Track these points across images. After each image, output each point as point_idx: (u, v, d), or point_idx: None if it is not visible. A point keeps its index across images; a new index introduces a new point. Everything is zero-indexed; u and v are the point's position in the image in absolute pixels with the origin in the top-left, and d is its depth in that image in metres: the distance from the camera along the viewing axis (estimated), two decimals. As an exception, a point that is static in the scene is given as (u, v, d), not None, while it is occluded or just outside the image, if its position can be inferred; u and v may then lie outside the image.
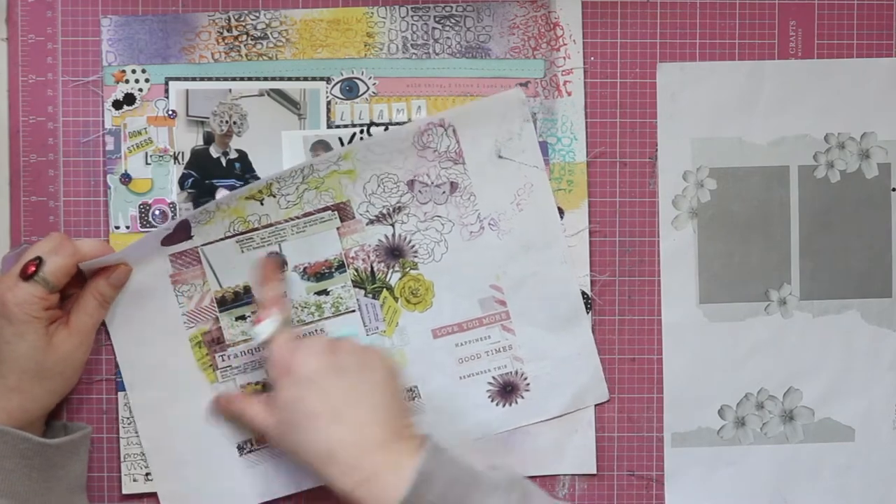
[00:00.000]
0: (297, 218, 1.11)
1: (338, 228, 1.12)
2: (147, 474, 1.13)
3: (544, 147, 1.14)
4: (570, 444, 1.15)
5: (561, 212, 1.14)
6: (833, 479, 1.17)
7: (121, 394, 1.13)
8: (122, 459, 1.13)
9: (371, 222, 1.13)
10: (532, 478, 1.15)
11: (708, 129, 1.15)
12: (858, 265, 1.17)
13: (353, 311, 1.14)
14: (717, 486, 1.16)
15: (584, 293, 1.15)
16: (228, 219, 1.10)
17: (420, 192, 1.12)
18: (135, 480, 1.14)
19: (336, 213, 1.12)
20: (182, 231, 1.10)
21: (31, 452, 1.04)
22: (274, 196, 1.10)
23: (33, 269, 1.04)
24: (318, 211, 1.12)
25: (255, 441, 1.14)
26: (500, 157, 1.12)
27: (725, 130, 1.15)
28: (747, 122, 1.15)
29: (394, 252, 1.13)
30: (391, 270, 1.14)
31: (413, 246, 1.13)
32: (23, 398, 1.05)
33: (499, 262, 1.14)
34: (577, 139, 1.15)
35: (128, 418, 1.13)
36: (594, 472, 1.16)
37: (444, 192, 1.12)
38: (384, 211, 1.12)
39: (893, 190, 1.16)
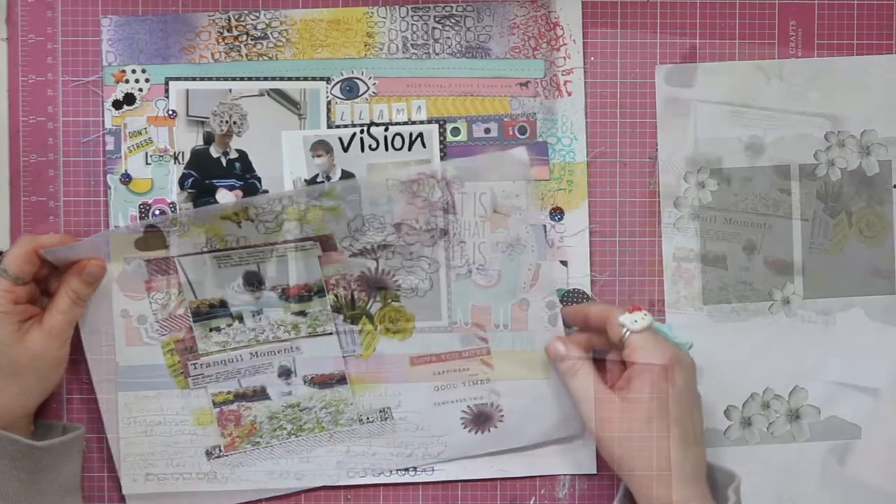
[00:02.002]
0: (277, 244, 1.11)
1: (319, 257, 1.12)
2: (147, 474, 1.13)
3: (544, 147, 1.14)
4: (570, 444, 1.15)
5: (561, 212, 1.14)
6: (840, 478, 1.16)
7: (120, 394, 1.13)
8: (122, 459, 1.13)
9: (354, 255, 1.12)
10: (532, 478, 1.16)
11: (708, 129, 1.15)
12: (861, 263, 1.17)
13: (331, 333, 1.13)
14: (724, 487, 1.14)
15: (584, 293, 1.14)
16: (206, 235, 1.09)
17: (408, 234, 1.11)
18: (135, 480, 1.13)
19: (318, 243, 1.11)
20: (156, 238, 1.09)
21: (20, 454, 1.04)
22: (251, 221, 1.09)
23: None
24: (299, 240, 1.11)
25: (223, 447, 1.14)
26: (495, 211, 1.11)
27: (726, 131, 1.15)
28: (748, 121, 1.15)
29: (376, 284, 1.13)
30: (372, 300, 1.13)
31: (396, 281, 1.13)
32: (5, 399, 1.05)
33: (483, 302, 1.14)
34: (578, 139, 1.14)
35: (128, 418, 1.13)
36: (594, 472, 1.16)
37: (432, 237, 1.12)
38: (368, 247, 1.12)
39: (895, 187, 1.16)
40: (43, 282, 1.09)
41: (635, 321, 1.08)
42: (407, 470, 1.15)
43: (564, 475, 1.15)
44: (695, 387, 1.08)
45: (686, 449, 1.05)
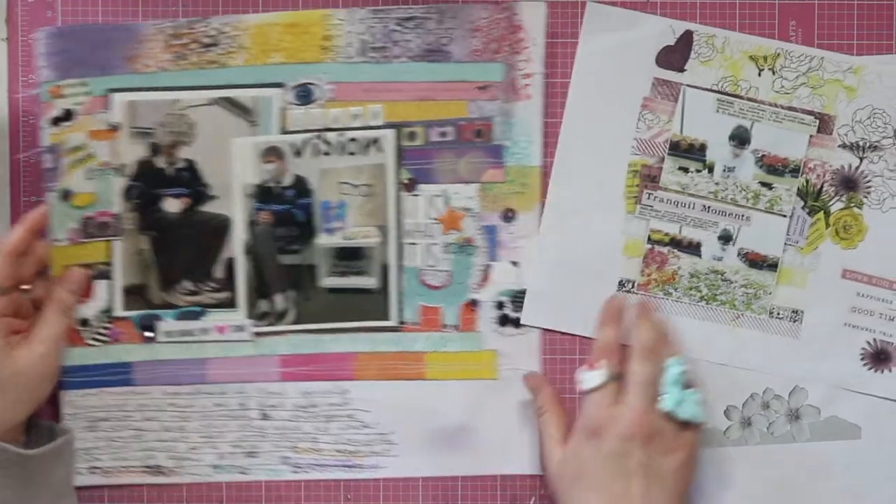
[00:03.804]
0: (781, 107, 1.10)
1: (811, 136, 1.11)
2: (92, 467, 1.13)
3: (499, 150, 1.12)
4: (518, 446, 1.16)
5: (513, 213, 1.14)
6: (841, 478, 1.17)
7: (61, 392, 1.11)
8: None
9: (843, 146, 1.11)
10: (532, 477, 1.16)
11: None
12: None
13: (784, 216, 1.12)
14: (725, 487, 1.16)
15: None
16: (723, 72, 1.11)
17: None
18: (80, 474, 1.12)
19: (817, 121, 1.11)
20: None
21: (10, 463, 1.01)
22: (773, 72, 1.10)
23: None
24: (803, 111, 1.10)
25: (638, 284, 1.14)
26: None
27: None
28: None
29: (848, 183, 1.11)
30: (837, 198, 1.12)
31: (869, 186, 1.12)
32: None
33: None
34: (534, 142, 1.12)
35: (70, 414, 1.11)
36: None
37: None
38: (861, 143, 1.11)
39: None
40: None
41: (581, 381, 1.09)
42: (353, 467, 1.17)
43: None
44: (641, 455, 1.05)
45: None
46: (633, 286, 1.15)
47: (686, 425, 1.08)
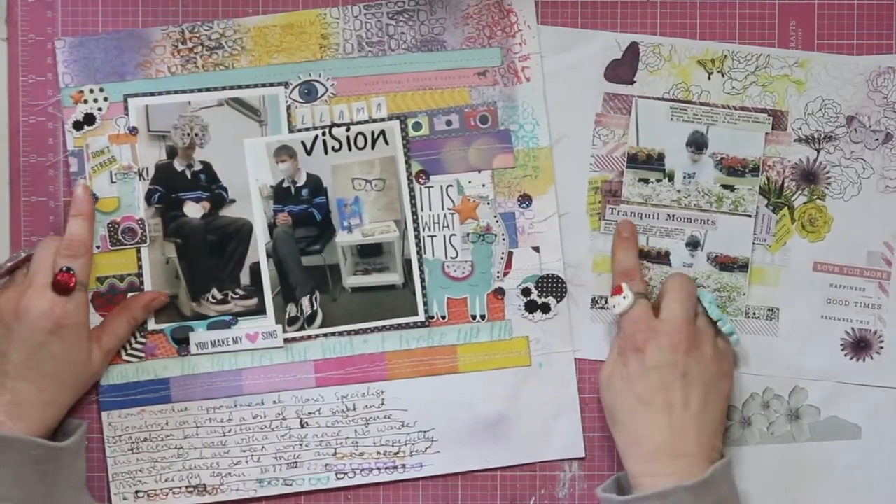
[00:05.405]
0: (734, 108, 1.13)
1: (766, 134, 1.14)
2: (136, 491, 1.14)
3: (507, 135, 1.14)
4: (559, 429, 1.16)
5: (529, 198, 1.15)
6: (841, 478, 1.15)
7: (104, 413, 1.14)
8: (110, 478, 1.14)
9: (799, 140, 1.14)
10: (532, 477, 1.15)
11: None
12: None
13: (749, 216, 1.14)
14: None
15: (559, 278, 1.15)
16: (673, 80, 1.14)
17: (856, 130, 1.13)
18: (125, 499, 1.14)
19: (771, 118, 1.13)
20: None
21: (45, 457, 1.05)
22: (723, 74, 1.13)
23: (72, 280, 1.08)
24: (756, 110, 1.13)
25: None
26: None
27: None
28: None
29: (809, 176, 1.14)
30: (799, 192, 1.14)
31: (829, 177, 1.14)
32: (56, 410, 1.08)
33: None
34: (540, 124, 1.15)
35: (112, 437, 1.14)
36: (582, 455, 1.16)
37: (877, 140, 1.13)
38: (816, 135, 1.13)
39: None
40: None
41: (614, 305, 1.11)
42: (397, 467, 1.16)
43: (564, 473, 1.15)
44: (685, 364, 1.07)
45: (654, 424, 1.06)
46: (605, 302, 1.16)
47: (722, 341, 1.11)
